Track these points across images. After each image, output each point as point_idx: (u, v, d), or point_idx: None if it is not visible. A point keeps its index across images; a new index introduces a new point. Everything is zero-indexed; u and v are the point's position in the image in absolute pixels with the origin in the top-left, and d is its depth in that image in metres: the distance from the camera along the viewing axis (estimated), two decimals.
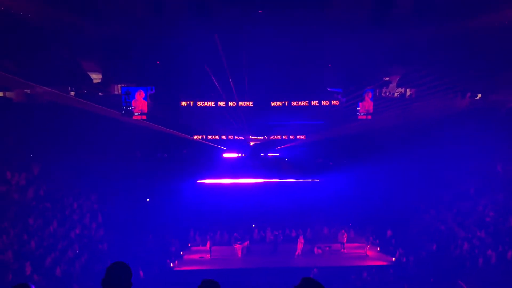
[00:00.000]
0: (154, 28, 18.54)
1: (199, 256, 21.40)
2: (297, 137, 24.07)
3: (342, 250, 22.27)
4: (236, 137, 23.98)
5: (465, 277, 18.35)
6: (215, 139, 24.04)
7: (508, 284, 16.40)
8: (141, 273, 17.91)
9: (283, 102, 22.75)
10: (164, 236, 21.71)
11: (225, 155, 24.63)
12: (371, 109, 22.83)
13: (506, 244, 18.51)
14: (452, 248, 20.00)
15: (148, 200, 23.62)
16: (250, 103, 22.74)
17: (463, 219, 21.06)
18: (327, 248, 22.23)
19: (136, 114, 22.02)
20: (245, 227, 23.24)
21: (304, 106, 22.82)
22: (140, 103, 21.95)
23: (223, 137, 23.96)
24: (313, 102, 22.86)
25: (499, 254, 18.38)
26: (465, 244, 19.72)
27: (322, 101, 22.89)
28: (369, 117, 22.86)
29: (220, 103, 22.66)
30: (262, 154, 24.76)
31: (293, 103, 22.78)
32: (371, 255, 21.65)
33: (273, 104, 22.77)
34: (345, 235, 22.44)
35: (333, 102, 23.02)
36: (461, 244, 19.91)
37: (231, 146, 24.42)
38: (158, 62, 21.65)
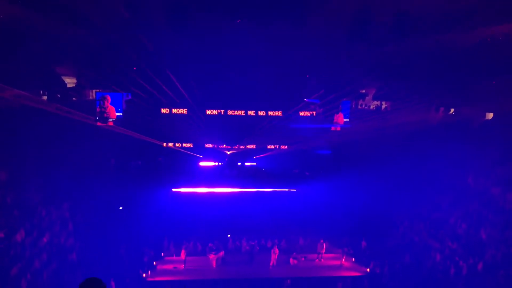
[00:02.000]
0: (130, 33, 18.27)
1: (173, 267, 20.94)
2: (275, 147, 24.10)
3: (317, 260, 22.27)
4: (213, 145, 23.78)
5: (437, 287, 18.60)
6: (191, 148, 23.77)
7: None
8: (113, 284, 17.38)
9: (259, 112, 22.75)
10: (137, 245, 21.17)
11: (202, 163, 24.39)
12: (342, 121, 23.13)
13: (477, 255, 18.88)
14: (425, 259, 20.27)
15: (121, 208, 23.06)
16: (242, 112, 22.61)
17: (436, 231, 21.44)
18: (303, 259, 22.19)
19: (110, 120, 21.57)
20: (221, 237, 22.95)
21: (280, 116, 22.89)
22: (108, 109, 21.50)
23: (200, 145, 23.73)
24: (289, 112, 22.99)
25: (470, 265, 18.73)
26: (438, 256, 20.04)
27: (300, 112, 23.05)
28: (338, 128, 23.14)
29: (209, 112, 22.46)
30: (239, 163, 24.65)
31: (270, 113, 22.78)
32: (346, 266, 21.71)
33: (249, 113, 22.71)
34: (324, 246, 22.47)
35: (309, 113, 23.18)
36: (433, 255, 20.22)
37: (208, 154, 24.22)
38: (134, 68, 21.33)
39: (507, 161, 20.71)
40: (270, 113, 22.72)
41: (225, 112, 22.49)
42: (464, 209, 21.35)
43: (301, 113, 23.07)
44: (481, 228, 19.83)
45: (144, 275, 19.50)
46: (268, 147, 24.09)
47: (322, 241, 22.64)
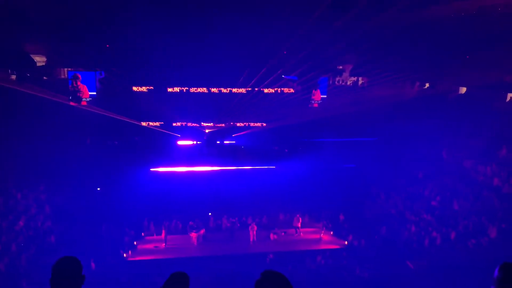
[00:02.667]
0: (103, 8, 17.61)
1: (153, 246, 20.97)
2: (253, 124, 24.05)
3: (296, 234, 22.67)
4: (191, 124, 23.53)
5: (413, 257, 19.26)
6: (169, 126, 23.46)
7: (452, 262, 17.36)
8: (93, 265, 17.30)
9: (234, 89, 22.59)
10: (117, 226, 21.03)
11: (180, 142, 24.15)
12: (323, 97, 23.25)
13: (449, 226, 19.57)
14: (401, 231, 20.89)
15: (99, 189, 22.75)
16: (204, 89, 22.37)
17: (412, 203, 22.06)
18: (283, 234, 22.54)
19: (84, 99, 21.02)
20: (201, 215, 23.01)
21: (260, 92, 22.79)
22: (80, 88, 20.93)
23: (177, 124, 23.43)
24: (268, 90, 22.88)
25: (443, 235, 19.41)
26: (413, 227, 20.67)
27: (277, 89, 22.98)
28: (316, 105, 23.25)
29: (170, 89, 22.10)
30: (218, 142, 24.52)
31: (241, 90, 22.63)
32: (325, 239, 22.18)
33: (233, 90, 22.53)
34: (300, 220, 22.85)
35: (287, 90, 23.16)
36: (409, 227, 20.84)
37: (186, 133, 23.96)
38: (107, 46, 20.69)
39: (478, 134, 21.28)
40: (241, 90, 22.57)
41: (200, 90, 22.24)
42: (439, 182, 21.98)
43: (279, 90, 23.00)
44: (453, 199, 20.49)
45: (125, 255, 19.47)
46: (247, 124, 24.01)
47: (298, 215, 23.01)
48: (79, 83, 20.87)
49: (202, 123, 23.66)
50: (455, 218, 19.96)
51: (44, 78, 22.00)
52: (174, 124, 23.38)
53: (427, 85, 24.47)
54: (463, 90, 24.66)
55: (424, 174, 23.01)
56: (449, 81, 23.77)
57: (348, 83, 24.93)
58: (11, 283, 15.22)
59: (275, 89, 22.93)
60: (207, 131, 24.01)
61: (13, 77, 21.33)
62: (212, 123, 23.81)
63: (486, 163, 20.91)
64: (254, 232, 21.69)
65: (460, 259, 17.55)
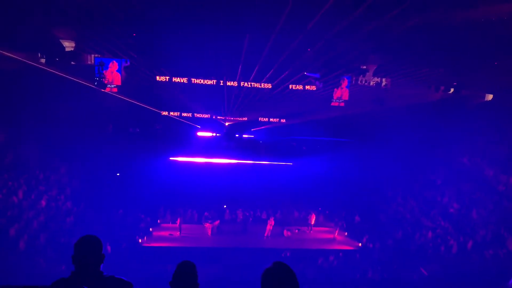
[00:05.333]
0: None
1: (168, 233, 21.30)
2: (273, 120, 24.06)
3: (309, 232, 22.65)
4: (212, 116, 23.71)
5: (427, 264, 19.02)
6: (190, 117, 23.69)
7: (467, 272, 17.09)
8: (109, 248, 17.68)
9: (263, 85, 22.61)
10: (134, 212, 21.44)
11: (199, 133, 24.38)
12: (346, 96, 23.05)
13: (467, 235, 19.24)
14: (417, 236, 20.64)
15: (118, 174, 23.20)
16: (234, 83, 22.47)
17: (429, 209, 21.75)
18: (296, 231, 22.56)
19: (108, 86, 21.41)
20: (216, 207, 23.23)
21: (281, 90, 22.76)
22: (112, 75, 21.31)
23: (198, 115, 23.65)
24: (290, 86, 22.83)
25: (460, 243, 19.10)
26: (429, 233, 20.40)
27: (298, 86, 22.90)
28: (342, 104, 23.08)
29: (194, 80, 22.27)
30: (237, 135, 24.64)
31: (268, 85, 22.64)
32: (339, 240, 22.11)
33: (256, 85, 22.57)
34: (313, 217, 22.81)
35: (309, 87, 23.05)
36: (425, 233, 20.58)
37: (206, 125, 24.16)
38: (134, 34, 20.98)
39: (502, 143, 20.80)
40: (270, 85, 22.58)
41: (224, 83, 22.32)
42: (458, 189, 21.60)
43: (301, 87, 22.92)
44: (473, 208, 20.12)
45: (140, 240, 19.83)
46: (267, 119, 24.03)
47: (312, 213, 22.97)
48: (109, 69, 21.24)
49: (222, 116, 23.80)
50: (473, 227, 19.62)
51: (72, 63, 22.49)
52: (195, 115, 23.59)
53: (452, 90, 23.99)
54: (489, 97, 24.11)
55: (443, 180, 22.63)
56: (475, 87, 23.23)
57: (371, 83, 24.64)
58: (30, 259, 15.72)
59: (298, 86, 22.85)
60: (227, 124, 24.16)
61: (43, 60, 21.87)
62: (232, 117, 23.93)
63: (509, 173, 20.44)
64: (271, 227, 21.78)
65: (475, 269, 17.27)
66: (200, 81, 22.25)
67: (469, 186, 21.30)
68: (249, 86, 22.64)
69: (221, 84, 22.41)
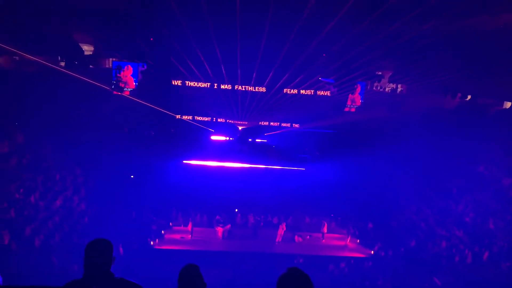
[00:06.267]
0: (150, 3, 18.13)
1: (180, 236, 21.43)
2: (286, 124, 24.08)
3: (322, 240, 22.52)
4: (225, 120, 23.85)
5: (441, 274, 18.74)
6: (204, 121, 23.89)
7: (482, 284, 16.78)
8: (121, 249, 17.88)
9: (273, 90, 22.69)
10: (147, 214, 21.65)
11: (213, 137, 24.54)
12: (359, 102, 22.95)
13: (483, 245, 18.90)
14: (430, 245, 20.36)
15: (132, 177, 23.46)
16: (250, 88, 22.60)
17: (443, 218, 21.44)
18: (308, 237, 22.47)
19: (125, 89, 21.73)
20: (228, 211, 23.31)
21: (295, 95, 22.78)
22: (126, 79, 21.63)
23: (212, 119, 23.82)
24: (304, 91, 22.83)
25: (475, 254, 18.77)
26: (443, 242, 20.10)
27: (310, 90, 22.89)
28: (353, 109, 22.97)
29: (209, 85, 22.45)
30: (250, 139, 24.72)
31: (284, 91, 22.69)
32: (350, 247, 21.94)
33: (261, 89, 22.65)
34: (326, 226, 22.69)
35: (324, 93, 23.02)
36: (439, 242, 20.28)
37: (220, 129, 24.31)
38: (151, 39, 21.28)
39: None
40: (284, 90, 22.63)
41: (239, 88, 22.44)
42: (473, 197, 21.26)
43: (316, 92, 22.89)
44: (489, 218, 19.77)
45: (152, 242, 20.01)
46: (280, 124, 24.07)
47: (324, 221, 22.85)
48: (124, 73, 21.58)
49: (236, 120, 23.92)
50: (489, 238, 19.27)
51: (90, 66, 22.91)
52: (209, 119, 23.77)
53: (469, 97, 23.67)
54: (507, 104, 23.70)
55: (459, 189, 22.29)
56: (492, 95, 22.88)
57: (387, 89, 24.47)
58: (44, 258, 15.99)
59: (312, 91, 22.84)
60: (240, 128, 24.26)
61: (62, 63, 22.33)
62: (246, 121, 24.02)
63: None
64: (282, 233, 21.74)
65: (491, 281, 16.95)
66: (215, 85, 22.42)
67: (486, 196, 20.94)
68: (263, 91, 22.71)
69: (236, 88, 22.54)
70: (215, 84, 22.42)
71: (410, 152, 22.50)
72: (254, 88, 22.64)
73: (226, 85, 22.42)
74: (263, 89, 22.64)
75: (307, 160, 25.37)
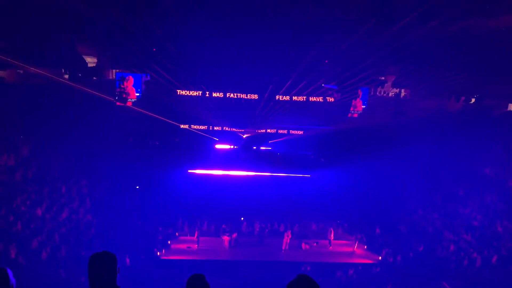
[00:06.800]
0: (151, 14, 18.26)
1: (186, 246, 21.36)
2: (291, 131, 24.07)
3: (330, 247, 22.37)
4: (229, 128, 23.88)
5: (450, 278, 18.55)
6: (208, 130, 23.93)
7: (492, 287, 16.60)
8: (128, 260, 17.85)
9: (276, 97, 22.71)
10: (153, 224, 21.62)
11: (217, 146, 24.56)
12: (360, 107, 22.92)
13: (492, 248, 18.71)
14: (439, 249, 20.18)
15: (138, 187, 23.48)
16: (254, 96, 22.65)
17: (451, 221, 21.27)
18: (315, 244, 22.32)
19: (129, 100, 21.84)
20: (234, 219, 23.23)
21: (300, 102, 22.79)
22: (128, 89, 21.74)
23: (216, 128, 23.87)
24: (309, 98, 22.86)
25: (484, 257, 18.58)
26: (452, 246, 19.92)
27: (316, 97, 22.89)
28: (356, 115, 22.94)
29: (213, 94, 22.53)
30: (254, 147, 24.72)
31: (286, 98, 22.71)
32: (358, 253, 21.78)
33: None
34: (332, 232, 22.55)
35: (327, 99, 23.02)
36: (447, 246, 20.11)
37: (224, 137, 24.34)
38: (154, 49, 21.41)
39: None
40: (286, 98, 22.65)
41: (242, 96, 22.50)
42: (480, 200, 21.09)
43: (318, 99, 22.90)
44: (497, 220, 19.59)
45: (158, 253, 19.95)
46: (284, 132, 24.06)
47: (331, 228, 22.71)
48: (125, 84, 21.70)
49: (240, 128, 23.95)
50: (498, 240, 19.08)
51: (94, 78, 23.06)
52: (213, 128, 23.81)
53: (473, 100, 23.59)
54: None
55: (465, 192, 22.13)
56: (496, 97, 22.78)
57: (390, 94, 24.44)
58: (51, 271, 15.98)
59: (315, 97, 22.84)
60: (244, 136, 24.27)
61: (66, 76, 22.50)
62: (250, 129, 24.04)
63: None
64: (288, 240, 21.63)
65: (500, 284, 16.75)
66: (220, 94, 22.48)
67: (493, 198, 20.77)
68: (267, 98, 22.76)
69: (239, 97, 22.58)
70: (219, 93, 22.48)
71: (416, 156, 22.38)
72: (258, 96, 22.69)
73: (230, 94, 22.47)
74: (265, 97, 22.67)
75: (310, 159, 25.25)
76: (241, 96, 22.57)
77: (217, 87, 22.33)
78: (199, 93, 22.35)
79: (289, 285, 2.88)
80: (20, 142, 20.61)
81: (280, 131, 24.08)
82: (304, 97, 22.65)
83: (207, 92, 22.42)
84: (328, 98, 22.94)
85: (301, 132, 23.98)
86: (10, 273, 3.40)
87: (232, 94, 22.45)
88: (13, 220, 16.94)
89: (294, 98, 22.67)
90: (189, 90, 22.32)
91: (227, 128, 23.87)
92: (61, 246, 17.46)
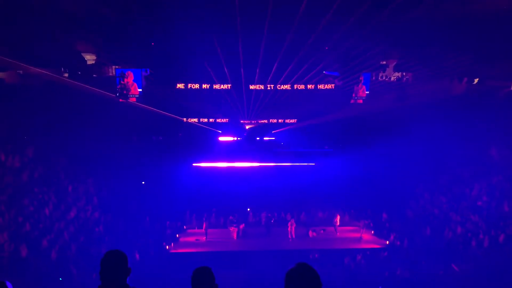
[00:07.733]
0: (149, 9, 18.16)
1: (195, 239, 21.51)
2: (293, 121, 24.03)
3: (336, 233, 22.44)
4: (232, 120, 23.87)
5: (458, 260, 18.60)
6: (211, 122, 23.93)
7: (500, 266, 16.62)
8: (137, 256, 18.00)
9: (278, 86, 22.64)
10: (160, 218, 21.76)
11: (221, 138, 24.56)
12: (363, 93, 22.83)
13: (498, 228, 18.71)
14: (446, 232, 20.20)
15: (143, 183, 23.58)
16: (260, 86, 22.61)
17: (457, 203, 21.26)
18: (322, 231, 22.41)
19: (130, 96, 21.86)
20: (241, 210, 23.34)
21: (301, 90, 22.72)
22: (129, 85, 21.73)
23: (219, 120, 23.87)
24: (309, 86, 22.76)
25: (491, 237, 18.59)
26: (459, 228, 19.93)
27: (318, 85, 22.80)
28: (360, 101, 22.86)
29: (213, 86, 22.49)
30: (258, 138, 24.70)
31: (288, 87, 22.65)
32: (365, 238, 21.85)
33: (268, 87, 22.63)
34: (338, 218, 22.59)
35: (328, 86, 22.94)
36: (454, 228, 20.12)
37: (227, 129, 24.33)
38: (152, 44, 21.33)
39: None
40: (287, 86, 22.59)
41: (242, 87, 22.45)
42: (487, 181, 21.03)
43: (320, 86, 22.82)
44: (504, 200, 19.55)
45: (167, 247, 20.09)
46: (287, 121, 24.02)
47: (337, 214, 22.75)
48: (126, 80, 21.69)
49: (242, 119, 23.92)
50: (504, 220, 19.05)
51: (94, 75, 23.04)
52: (215, 121, 23.81)
53: (476, 80, 23.38)
54: None
55: (471, 174, 22.06)
56: (500, 77, 22.54)
57: (392, 78, 24.27)
58: (62, 269, 16.14)
59: (316, 85, 22.76)
60: (247, 127, 24.25)
61: (66, 75, 22.48)
62: (252, 120, 24.01)
63: None
64: (293, 229, 21.71)
65: (509, 263, 16.78)
66: (221, 86, 22.44)
67: (499, 179, 20.70)
68: (268, 88, 22.69)
69: (239, 88, 22.54)
70: (220, 85, 22.44)
71: (421, 139, 22.28)
72: (259, 86, 22.64)
73: (228, 85, 22.44)
74: (268, 87, 22.58)
75: (319, 151, 25.15)
76: (244, 87, 22.51)
77: (218, 79, 22.27)
78: (200, 86, 22.33)
79: (288, 273, 2.91)
80: (25, 144, 20.67)
81: (283, 121, 24.06)
82: (298, 85, 22.58)
83: (207, 85, 22.40)
84: (327, 85, 22.86)
85: (303, 121, 23.93)
86: (9, 286, 3.45)
87: (227, 86, 22.36)
88: (22, 221, 17.08)
89: (299, 86, 22.61)
90: (190, 83, 22.29)
91: (229, 120, 23.84)
92: (71, 244, 17.61)
